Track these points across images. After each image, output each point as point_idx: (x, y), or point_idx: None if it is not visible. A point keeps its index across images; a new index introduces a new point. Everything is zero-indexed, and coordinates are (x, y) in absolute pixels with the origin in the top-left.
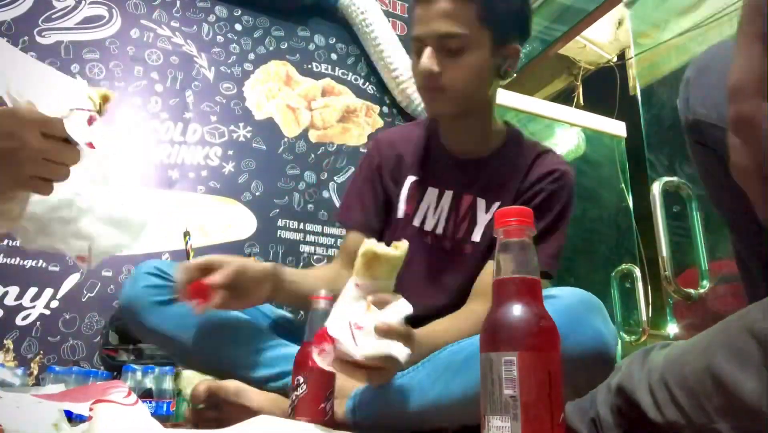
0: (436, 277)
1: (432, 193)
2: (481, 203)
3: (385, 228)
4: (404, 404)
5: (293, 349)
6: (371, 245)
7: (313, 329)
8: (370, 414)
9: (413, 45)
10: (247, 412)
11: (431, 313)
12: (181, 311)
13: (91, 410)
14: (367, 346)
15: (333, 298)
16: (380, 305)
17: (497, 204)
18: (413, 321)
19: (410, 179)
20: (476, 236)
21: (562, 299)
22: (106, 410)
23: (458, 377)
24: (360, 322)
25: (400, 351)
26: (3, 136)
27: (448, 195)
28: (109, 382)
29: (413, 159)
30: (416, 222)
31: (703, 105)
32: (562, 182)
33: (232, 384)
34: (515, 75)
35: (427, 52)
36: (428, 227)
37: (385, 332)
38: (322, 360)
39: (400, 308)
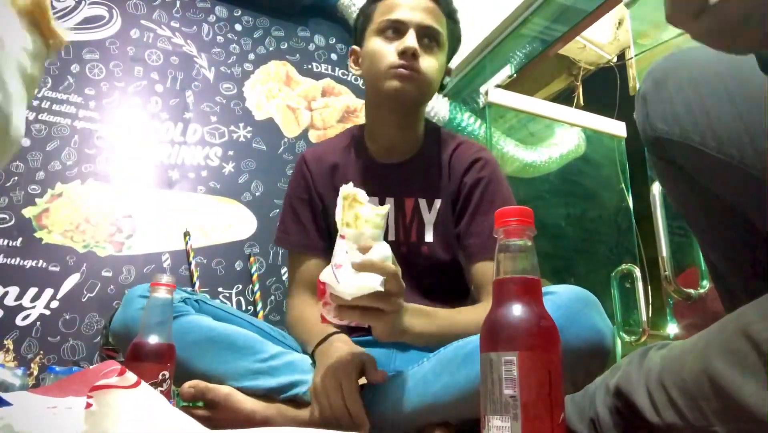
0: (405, 283)
1: (374, 202)
2: (422, 204)
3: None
4: (410, 397)
5: (296, 358)
6: (350, 188)
7: (150, 316)
8: (376, 410)
9: (388, 26)
10: (238, 416)
11: None
12: (179, 330)
13: (90, 397)
14: (347, 282)
15: (174, 285)
16: (362, 250)
17: (438, 202)
18: None
19: None
20: (428, 237)
21: (560, 295)
22: (108, 398)
23: (463, 368)
24: (340, 261)
25: (376, 281)
26: None
27: (390, 201)
28: (100, 365)
29: (345, 171)
30: None
31: (663, 121)
32: (491, 167)
33: (223, 387)
34: (515, 76)
35: (412, 33)
36: None
37: (360, 266)
38: (327, 313)
39: (381, 248)
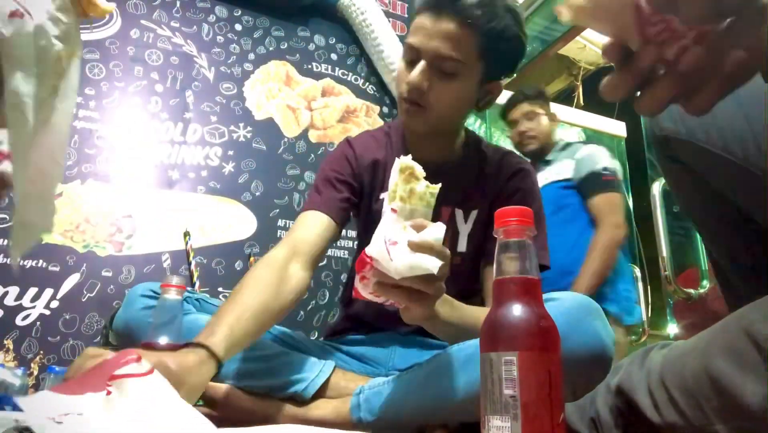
0: None
1: None
2: (459, 214)
3: (358, 238)
4: (408, 399)
5: (295, 357)
6: (409, 161)
7: (160, 317)
8: (375, 411)
9: (407, 50)
10: (237, 414)
11: (412, 326)
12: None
13: (108, 385)
14: (401, 260)
15: (185, 287)
16: (417, 228)
17: (474, 212)
18: (419, 330)
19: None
20: (461, 246)
21: (562, 302)
22: (125, 386)
23: (462, 373)
24: (395, 238)
25: (433, 263)
26: None
27: None
28: (119, 355)
29: (386, 167)
30: None
31: (670, 120)
32: (531, 179)
33: (222, 385)
34: (515, 76)
35: (421, 66)
36: None
37: (417, 246)
38: (363, 288)
39: (436, 229)
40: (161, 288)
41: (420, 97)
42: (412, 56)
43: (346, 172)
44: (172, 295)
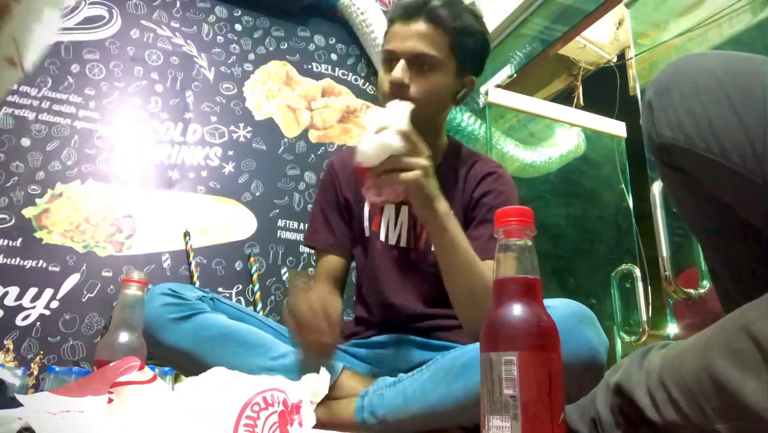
0: (408, 287)
1: (389, 209)
2: None
3: (353, 245)
4: (409, 405)
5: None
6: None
7: (120, 313)
8: (378, 414)
9: (384, 56)
10: None
11: (410, 319)
12: (196, 327)
13: (111, 392)
14: (368, 145)
15: (146, 282)
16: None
17: None
18: (399, 324)
19: None
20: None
21: (556, 310)
22: (127, 393)
23: (459, 380)
24: (366, 131)
25: (392, 139)
26: None
27: (405, 210)
28: (121, 361)
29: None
30: (381, 237)
31: (669, 127)
32: (504, 179)
33: None
34: (515, 76)
35: (401, 64)
36: (392, 241)
37: (379, 128)
38: (369, 194)
39: (396, 108)
40: (122, 283)
41: (402, 92)
42: (389, 59)
43: (331, 198)
44: (132, 290)
